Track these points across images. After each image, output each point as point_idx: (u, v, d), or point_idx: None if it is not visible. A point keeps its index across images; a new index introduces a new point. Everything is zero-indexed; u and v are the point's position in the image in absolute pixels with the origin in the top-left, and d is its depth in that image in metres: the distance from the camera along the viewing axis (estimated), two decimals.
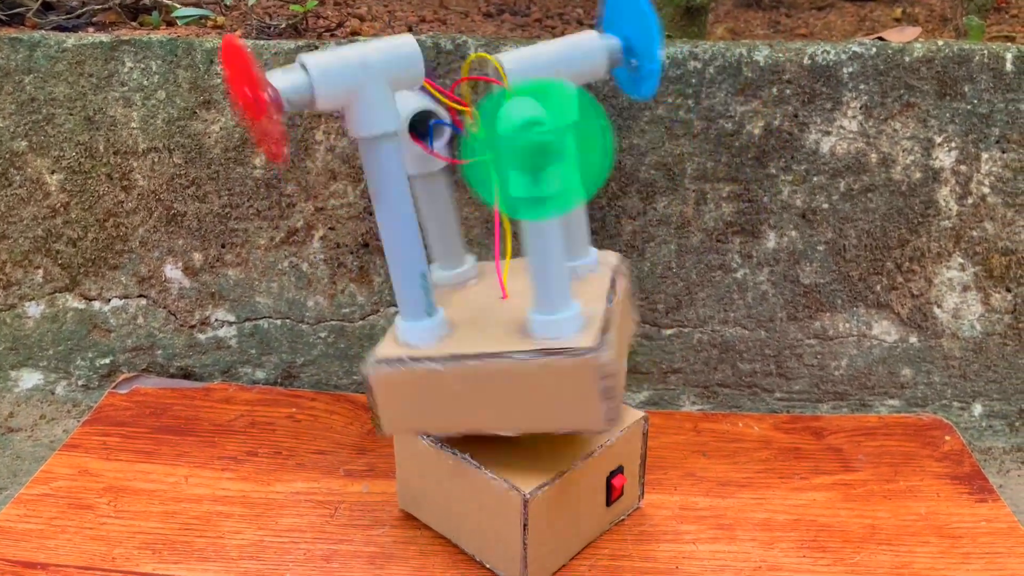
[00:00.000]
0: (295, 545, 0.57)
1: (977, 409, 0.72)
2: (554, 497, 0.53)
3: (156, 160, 0.71)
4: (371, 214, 0.71)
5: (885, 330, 0.71)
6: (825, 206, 0.69)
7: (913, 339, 0.71)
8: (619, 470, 0.58)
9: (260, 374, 0.75)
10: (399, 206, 0.49)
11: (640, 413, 0.59)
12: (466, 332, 0.52)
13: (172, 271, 0.74)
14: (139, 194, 0.72)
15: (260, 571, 0.55)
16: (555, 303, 0.50)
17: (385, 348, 0.52)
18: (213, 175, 0.71)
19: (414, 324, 0.52)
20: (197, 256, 0.73)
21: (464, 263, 0.59)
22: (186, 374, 0.76)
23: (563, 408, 0.50)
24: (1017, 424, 0.72)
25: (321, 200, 0.71)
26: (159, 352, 0.75)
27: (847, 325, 0.71)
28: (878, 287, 0.70)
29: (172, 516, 0.59)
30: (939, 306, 0.70)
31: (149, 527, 0.58)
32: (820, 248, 0.70)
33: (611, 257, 0.60)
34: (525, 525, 0.52)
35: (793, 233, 0.70)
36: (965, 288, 0.70)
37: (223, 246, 0.73)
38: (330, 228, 0.72)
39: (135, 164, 0.71)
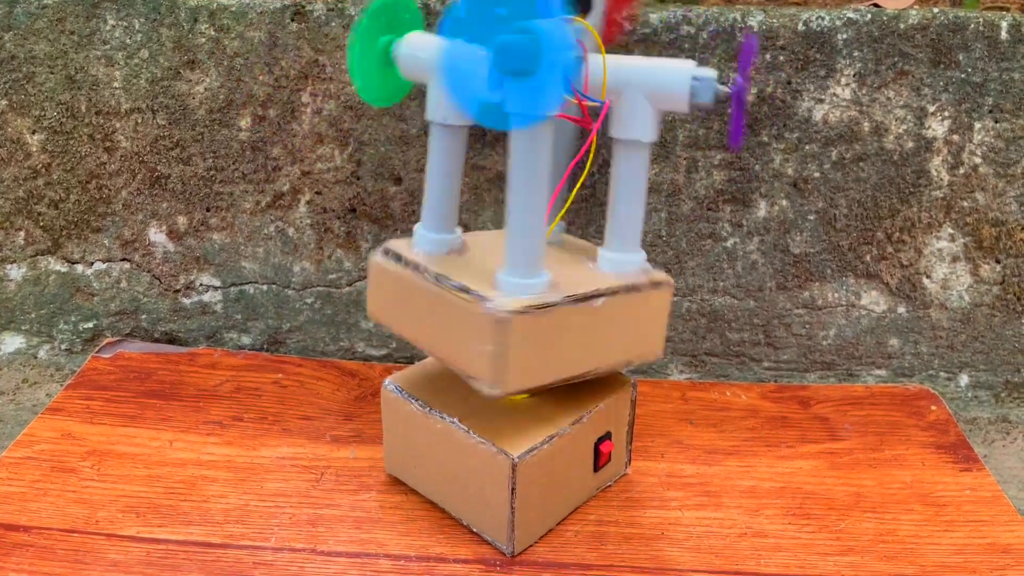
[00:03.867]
0: (280, 509, 0.57)
1: (963, 379, 0.72)
2: (543, 462, 0.53)
3: (139, 121, 0.70)
4: (358, 179, 0.70)
5: (874, 300, 0.71)
6: (816, 175, 0.68)
7: (901, 309, 0.71)
8: (607, 436, 0.57)
9: (246, 340, 0.75)
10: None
11: (629, 379, 0.59)
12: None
13: (156, 235, 0.73)
14: (122, 156, 0.71)
15: (245, 534, 0.55)
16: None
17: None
18: (197, 137, 0.70)
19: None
20: (181, 220, 0.72)
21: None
22: (171, 339, 0.75)
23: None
24: (1002, 395, 0.72)
25: (307, 164, 0.70)
26: (143, 317, 0.75)
27: (836, 295, 0.71)
28: (868, 257, 0.70)
29: (156, 480, 0.59)
30: (928, 276, 0.70)
31: (133, 491, 0.58)
32: (811, 217, 0.69)
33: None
34: (513, 489, 0.52)
35: (784, 202, 0.69)
36: (955, 259, 0.70)
37: (208, 210, 0.72)
38: (316, 193, 0.71)
39: (118, 125, 0.70)
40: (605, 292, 0.51)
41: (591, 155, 0.52)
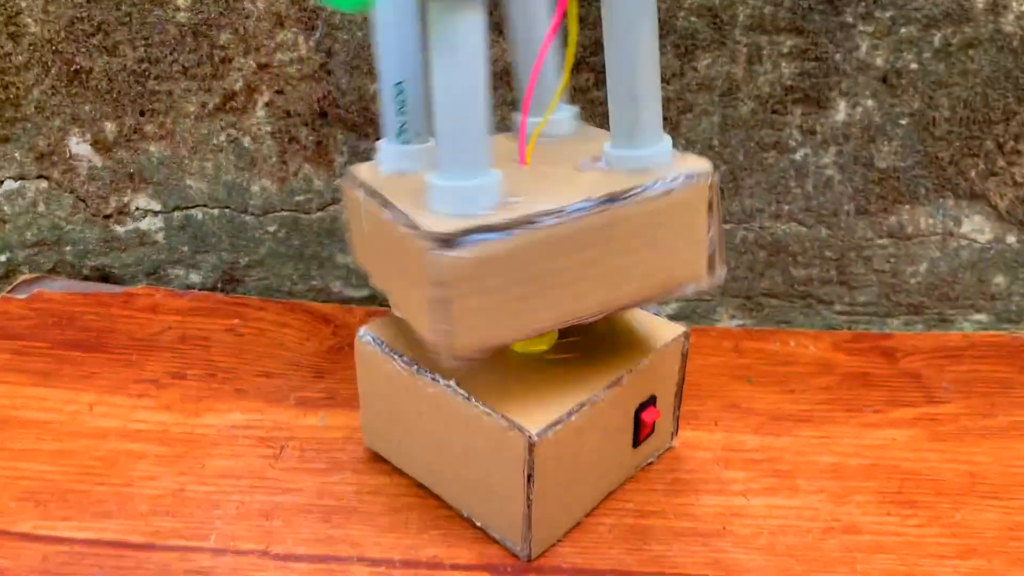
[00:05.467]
0: (225, 496, 0.44)
1: None
2: (568, 439, 0.40)
3: None
4: (329, 73, 0.55)
5: (978, 227, 0.57)
6: (913, 67, 0.54)
7: (1011, 239, 0.57)
8: (651, 401, 0.44)
9: (195, 277, 0.61)
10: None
11: (679, 327, 0.45)
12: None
13: (79, 145, 0.58)
14: (31, 44, 0.56)
15: (176, 531, 0.42)
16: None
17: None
18: (124, 19, 0.55)
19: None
20: (109, 126, 0.57)
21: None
22: (103, 276, 0.61)
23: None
24: None
25: (265, 54, 0.55)
26: (68, 248, 0.61)
27: (930, 221, 0.57)
28: (973, 173, 0.56)
29: (67, 456, 0.46)
30: None
31: (35, 471, 0.45)
32: (903, 122, 0.55)
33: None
34: (530, 476, 0.38)
35: (870, 102, 0.54)
36: None
37: (142, 113, 0.57)
38: (277, 92, 0.56)
39: (23, 3, 0.55)
40: (588, 204, 0.37)
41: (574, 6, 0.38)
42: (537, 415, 0.39)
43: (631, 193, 0.37)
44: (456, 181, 0.36)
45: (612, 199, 0.37)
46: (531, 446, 0.38)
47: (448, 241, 0.34)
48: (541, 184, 0.38)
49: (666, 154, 0.39)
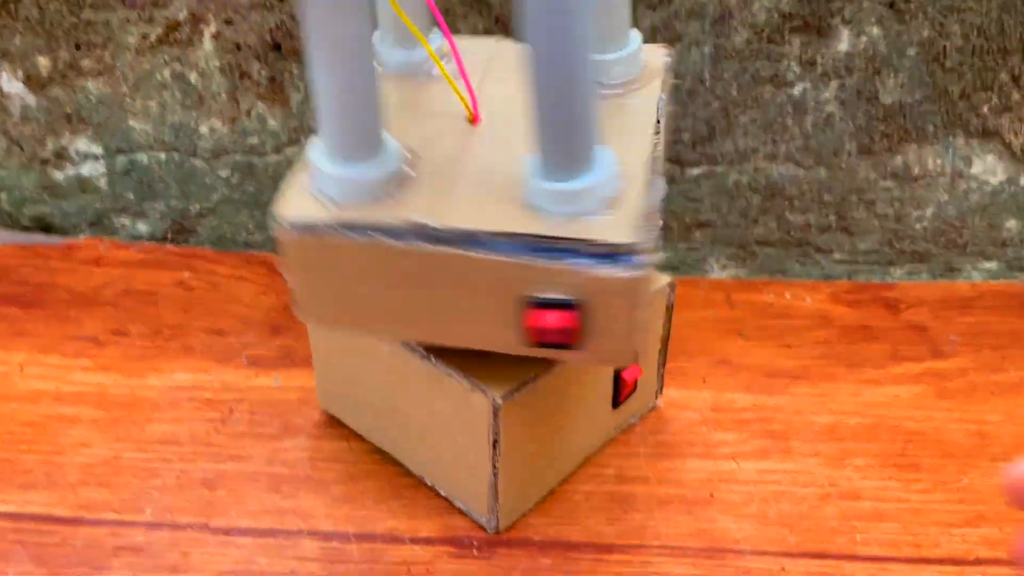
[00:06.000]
0: (165, 465, 0.40)
1: None
2: (538, 401, 0.36)
3: None
4: (282, 0, 0.50)
5: (989, 167, 0.53)
6: None
7: None
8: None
9: (143, 227, 0.56)
10: None
11: (664, 278, 0.41)
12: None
13: (9, 83, 0.53)
14: None
15: (109, 503, 0.38)
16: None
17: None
18: None
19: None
20: (42, 61, 0.52)
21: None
22: (44, 226, 0.57)
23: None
24: None
25: None
26: (3, 196, 0.56)
27: (938, 161, 0.52)
28: (985, 108, 0.51)
29: None
30: None
31: None
32: (910, 52, 0.50)
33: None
34: (495, 442, 0.35)
35: (875, 31, 0.50)
36: None
37: (77, 47, 0.52)
38: (226, 22, 0.51)
39: None
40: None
41: None
42: (503, 376, 0.35)
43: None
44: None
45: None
46: (496, 410, 0.34)
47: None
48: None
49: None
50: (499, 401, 0.34)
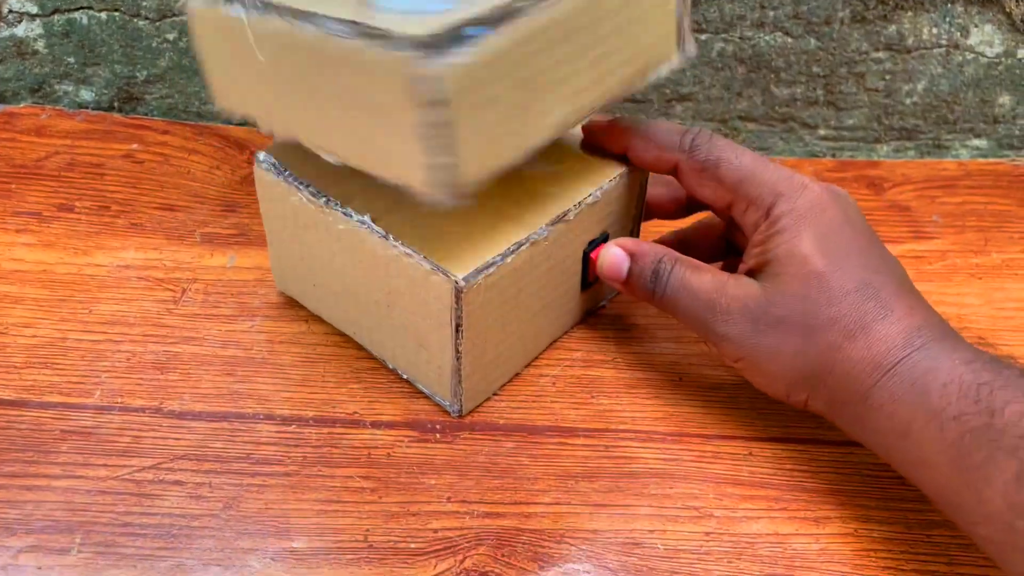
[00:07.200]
0: (114, 346, 0.38)
1: None
2: (502, 284, 0.34)
3: None
4: None
5: (986, 38, 0.50)
6: None
7: (1023, 53, 0.50)
8: (603, 238, 0.38)
9: (86, 94, 0.52)
10: None
11: None
12: None
13: None
14: None
15: (55, 385, 0.36)
16: None
17: None
18: None
19: None
20: None
21: None
22: None
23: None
24: None
25: None
26: None
27: (934, 30, 0.49)
28: None
29: None
30: None
31: None
32: None
33: None
34: (458, 327, 0.33)
35: None
36: None
37: None
38: None
39: None
40: None
41: None
42: (466, 257, 0.33)
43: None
44: None
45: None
46: (458, 293, 0.32)
47: (437, 45, 0.27)
48: None
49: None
50: (461, 283, 0.32)
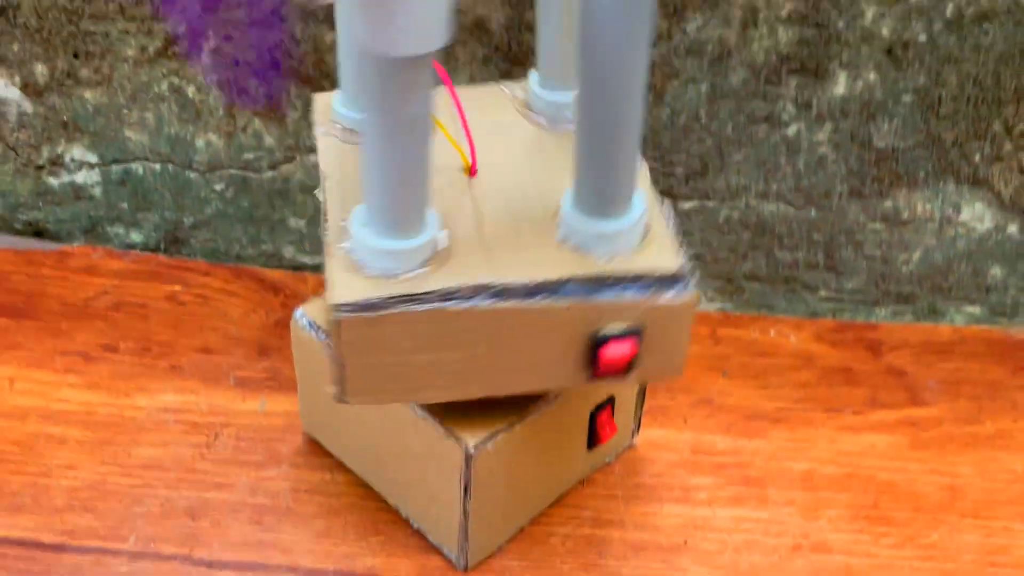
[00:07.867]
0: (150, 491, 0.41)
1: None
2: (511, 449, 0.36)
3: None
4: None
5: (978, 215, 0.53)
6: (922, 38, 0.49)
7: (1013, 228, 0.53)
8: (608, 402, 0.41)
9: (136, 236, 0.56)
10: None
11: None
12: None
13: (7, 89, 0.53)
14: None
15: (94, 529, 0.38)
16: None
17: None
18: None
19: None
20: (40, 69, 0.52)
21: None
22: (37, 231, 0.57)
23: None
24: None
25: None
26: None
27: (928, 206, 0.53)
28: (977, 156, 0.52)
29: None
30: None
31: None
32: (906, 99, 0.50)
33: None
34: (467, 488, 0.35)
35: (872, 76, 0.50)
36: None
37: (76, 56, 0.52)
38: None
39: None
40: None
41: None
42: (477, 422, 0.35)
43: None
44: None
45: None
46: (469, 458, 0.34)
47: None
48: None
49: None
50: (472, 450, 0.34)
